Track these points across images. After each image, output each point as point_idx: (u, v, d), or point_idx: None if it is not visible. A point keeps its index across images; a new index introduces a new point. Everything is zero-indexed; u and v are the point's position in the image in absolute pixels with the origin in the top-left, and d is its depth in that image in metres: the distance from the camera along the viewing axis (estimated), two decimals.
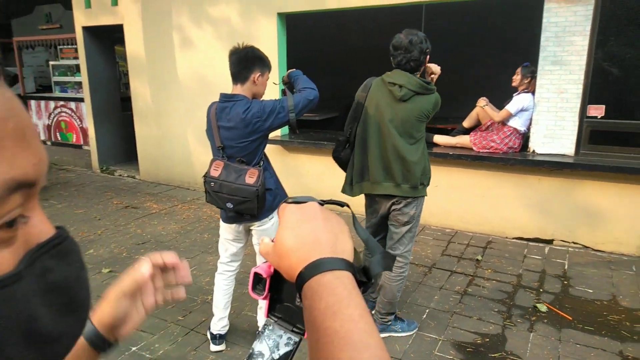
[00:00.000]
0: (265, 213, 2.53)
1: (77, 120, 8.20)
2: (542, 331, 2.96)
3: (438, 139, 4.71)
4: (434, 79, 2.73)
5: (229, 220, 2.62)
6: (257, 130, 2.41)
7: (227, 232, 2.69)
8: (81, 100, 7.59)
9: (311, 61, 7.77)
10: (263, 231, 2.57)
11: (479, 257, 4.05)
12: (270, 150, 5.50)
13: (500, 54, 6.18)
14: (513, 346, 2.82)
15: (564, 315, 3.13)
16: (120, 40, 6.64)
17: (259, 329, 0.61)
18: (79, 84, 7.69)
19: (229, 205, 2.42)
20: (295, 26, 6.08)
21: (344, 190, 2.88)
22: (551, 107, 4.11)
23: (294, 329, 0.58)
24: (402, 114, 2.56)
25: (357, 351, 0.44)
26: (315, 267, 0.50)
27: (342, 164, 2.89)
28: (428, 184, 2.77)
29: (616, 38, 3.97)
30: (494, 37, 6.46)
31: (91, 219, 5.09)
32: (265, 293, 0.59)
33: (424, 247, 4.27)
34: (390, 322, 2.88)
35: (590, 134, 4.05)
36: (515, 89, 4.36)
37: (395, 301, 2.81)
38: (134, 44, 6.27)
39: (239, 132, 2.40)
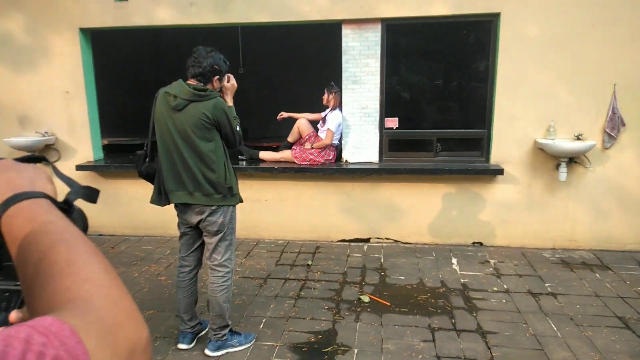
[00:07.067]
0: None
1: None
2: (366, 320, 3.28)
3: (264, 154, 4.90)
4: (226, 92, 2.77)
5: None
6: None
7: None
8: None
9: (125, 80, 7.34)
10: None
11: (309, 262, 4.30)
12: (83, 176, 4.98)
13: (312, 75, 6.73)
14: (343, 338, 3.06)
15: (383, 302, 3.53)
16: None
17: None
18: None
19: None
20: (108, 44, 5.67)
21: (152, 201, 2.80)
22: (357, 121, 4.64)
23: (17, 285, 0.56)
24: (180, 123, 2.58)
25: (56, 235, 0.49)
26: (11, 200, 0.52)
27: (146, 177, 2.82)
28: (232, 195, 2.71)
29: (402, 60, 4.70)
30: (306, 60, 7.02)
31: None
32: None
33: (259, 261, 4.36)
34: (226, 338, 2.84)
35: (389, 143, 4.69)
36: (326, 107, 4.81)
37: (224, 313, 2.78)
38: None
39: None
